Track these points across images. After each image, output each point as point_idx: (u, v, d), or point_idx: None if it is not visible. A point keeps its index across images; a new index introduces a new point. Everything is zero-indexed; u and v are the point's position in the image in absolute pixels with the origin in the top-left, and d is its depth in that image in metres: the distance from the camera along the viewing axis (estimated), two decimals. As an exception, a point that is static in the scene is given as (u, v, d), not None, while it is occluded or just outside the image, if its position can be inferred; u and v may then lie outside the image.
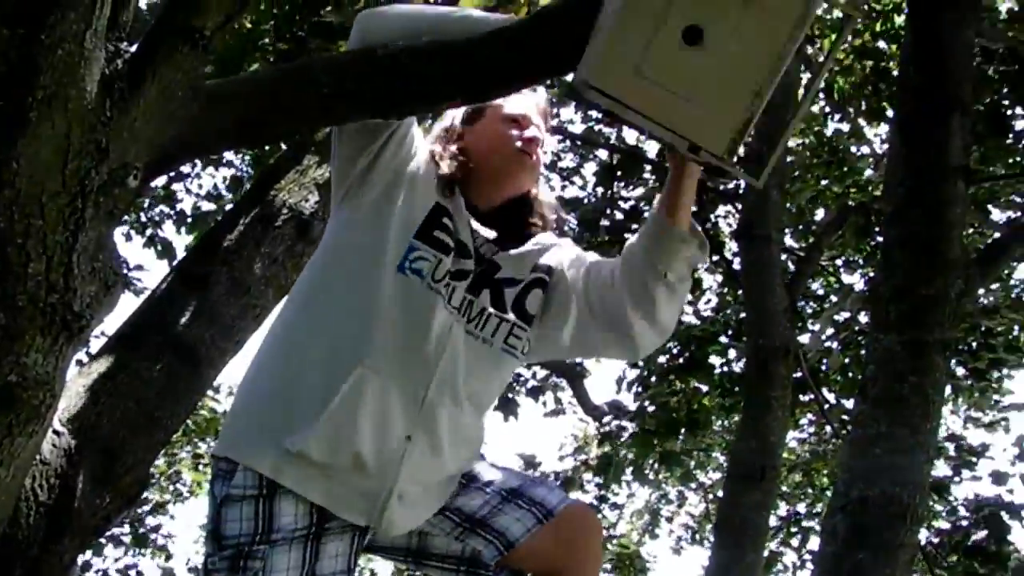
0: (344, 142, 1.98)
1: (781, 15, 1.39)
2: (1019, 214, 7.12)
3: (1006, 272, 7.89)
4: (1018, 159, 6.34)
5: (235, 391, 2.04)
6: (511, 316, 2.01)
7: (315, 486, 1.81)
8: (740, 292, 6.65)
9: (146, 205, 7.80)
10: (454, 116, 2.13)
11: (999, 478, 8.46)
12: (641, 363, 7.87)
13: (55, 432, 2.53)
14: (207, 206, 7.98)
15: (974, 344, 7.84)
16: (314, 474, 1.81)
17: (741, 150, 1.49)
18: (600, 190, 7.34)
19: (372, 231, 1.94)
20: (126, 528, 11.37)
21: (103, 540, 10.58)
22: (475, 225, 2.04)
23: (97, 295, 1.58)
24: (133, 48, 1.59)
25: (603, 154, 7.44)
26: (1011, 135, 5.88)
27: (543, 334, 2.07)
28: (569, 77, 1.63)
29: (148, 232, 7.90)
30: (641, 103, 1.44)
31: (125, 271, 7.50)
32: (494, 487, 2.00)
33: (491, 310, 1.99)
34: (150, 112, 1.56)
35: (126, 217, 7.33)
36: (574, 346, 2.11)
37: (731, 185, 6.78)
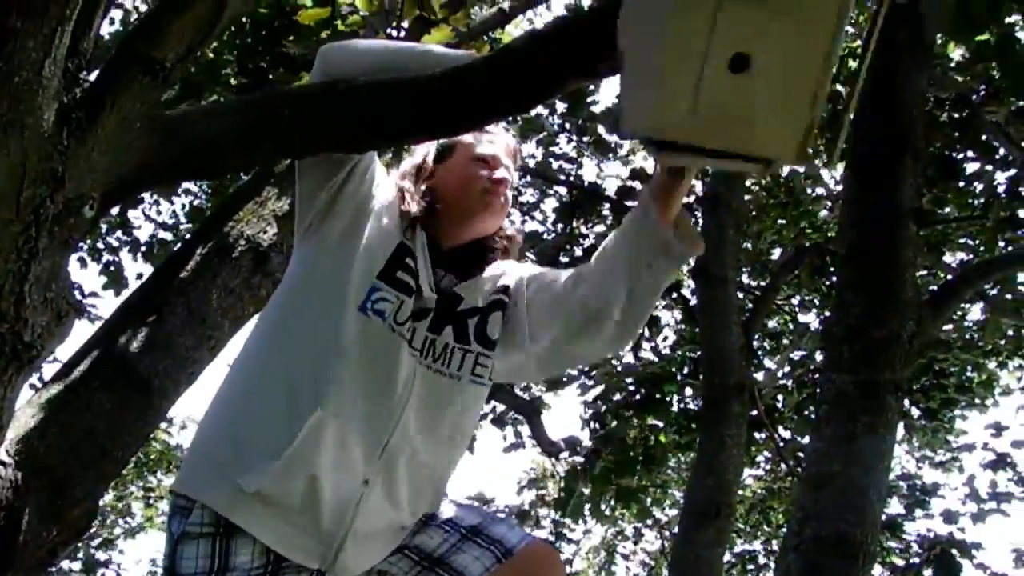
0: (306, 175, 1.96)
1: (820, 18, 1.39)
2: (970, 256, 7.25)
3: (959, 313, 8.02)
4: (969, 202, 6.46)
5: (198, 424, 2.00)
6: (476, 346, 1.99)
7: (269, 527, 1.78)
8: (697, 330, 6.69)
9: (103, 232, 7.73)
10: (425, 153, 2.12)
11: (951, 517, 8.56)
12: (599, 400, 7.88)
13: (1, 463, 2.48)
14: (165, 235, 7.92)
15: (927, 384, 7.95)
16: (268, 515, 1.78)
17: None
18: (560, 226, 7.38)
19: (335, 270, 1.91)
20: (76, 565, 11.15)
21: (50, 573, 10.36)
22: (436, 262, 2.02)
23: (49, 325, 1.56)
24: (93, 76, 1.59)
25: (563, 190, 7.48)
26: (961, 179, 6.00)
27: (510, 353, 2.05)
28: (534, 112, 1.65)
29: (104, 259, 7.82)
30: (703, 140, 1.45)
31: (79, 298, 7.41)
32: (453, 524, 1.98)
33: (454, 344, 1.97)
34: (108, 142, 1.55)
35: (82, 244, 7.26)
36: (543, 359, 2.05)
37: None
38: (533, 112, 6.89)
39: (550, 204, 7.93)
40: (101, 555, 11.52)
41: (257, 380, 1.90)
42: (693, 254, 1.86)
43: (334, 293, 1.89)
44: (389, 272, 1.92)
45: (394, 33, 3.45)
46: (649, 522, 11.89)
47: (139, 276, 7.58)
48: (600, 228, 7.50)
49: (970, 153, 5.78)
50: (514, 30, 6.36)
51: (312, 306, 1.91)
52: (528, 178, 7.89)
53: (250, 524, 1.77)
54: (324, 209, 1.95)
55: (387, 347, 1.89)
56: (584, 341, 1.96)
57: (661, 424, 7.86)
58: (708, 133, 1.43)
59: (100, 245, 7.81)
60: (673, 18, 1.41)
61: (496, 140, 2.10)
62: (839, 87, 6.62)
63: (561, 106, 6.96)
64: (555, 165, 7.57)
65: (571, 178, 7.45)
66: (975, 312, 8.21)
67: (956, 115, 5.38)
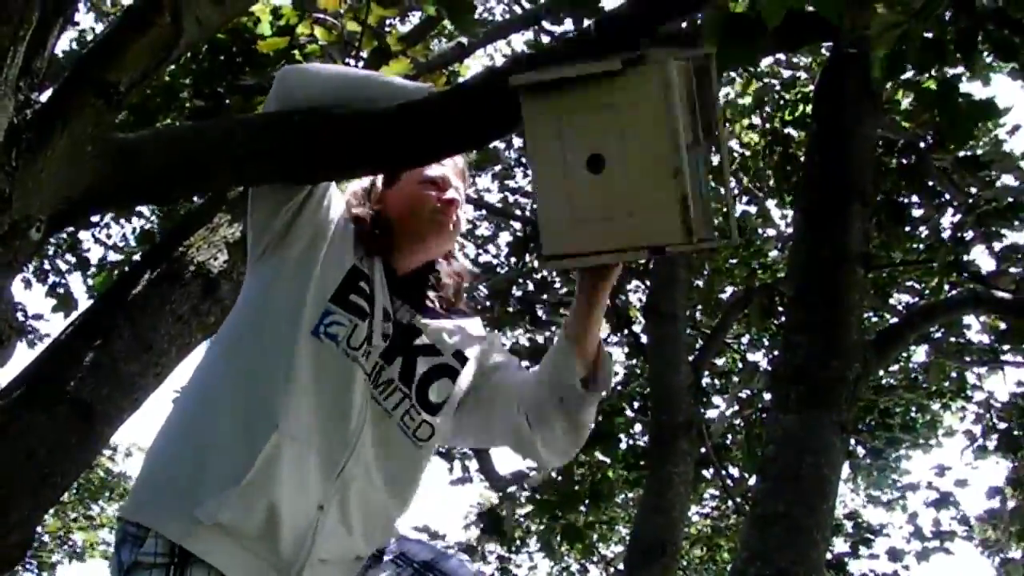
0: (260, 200, 1.93)
1: (646, 98, 1.46)
2: (916, 300, 7.37)
3: (904, 355, 8.14)
4: (915, 247, 6.58)
5: (147, 451, 1.94)
6: (412, 395, 1.96)
7: (228, 556, 1.75)
8: (647, 366, 6.73)
9: (50, 253, 7.61)
10: (374, 177, 2.11)
11: (895, 555, 8.64)
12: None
13: (-64, 487, 2.42)
14: (114, 257, 7.83)
15: (872, 423, 8.05)
16: (228, 543, 1.75)
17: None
18: (513, 260, 7.41)
19: (288, 293, 1.89)
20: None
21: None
22: (391, 289, 2.00)
23: (-10, 348, 1.53)
24: (45, 97, 1.57)
25: (518, 225, 7.51)
26: (909, 224, 6.11)
27: (450, 423, 2.04)
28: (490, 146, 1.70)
29: (50, 280, 7.70)
30: (595, 244, 1.50)
31: (23, 319, 7.28)
32: (406, 559, 1.97)
33: (398, 382, 1.95)
34: (58, 164, 1.54)
35: (28, 264, 7.14)
36: (479, 438, 2.14)
37: (641, 263, 6.90)
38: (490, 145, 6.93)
39: (504, 238, 7.97)
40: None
41: (212, 406, 1.86)
42: (601, 395, 1.97)
43: (288, 317, 1.87)
44: (342, 295, 1.90)
45: (352, 63, 3.46)
46: (595, 559, 11.86)
47: (90, 296, 7.44)
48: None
49: (916, 199, 5.90)
50: (473, 63, 6.41)
51: (266, 331, 1.88)
52: (484, 212, 7.92)
53: (208, 553, 1.74)
54: (280, 235, 1.93)
55: (341, 371, 1.87)
56: (517, 443, 2.03)
57: (608, 460, 7.86)
58: (598, 237, 1.51)
59: (47, 266, 7.69)
60: (530, 135, 1.51)
61: (446, 162, 2.07)
62: (792, 131, 6.75)
63: (517, 140, 7.01)
64: (511, 199, 7.61)
65: (527, 213, 7.49)
66: (920, 354, 8.35)
67: (904, 161, 5.49)
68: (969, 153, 5.29)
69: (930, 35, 2.73)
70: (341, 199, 2.05)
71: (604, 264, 1.66)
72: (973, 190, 5.32)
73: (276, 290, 1.91)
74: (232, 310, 2.04)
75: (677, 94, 1.44)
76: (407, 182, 2.06)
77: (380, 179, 2.09)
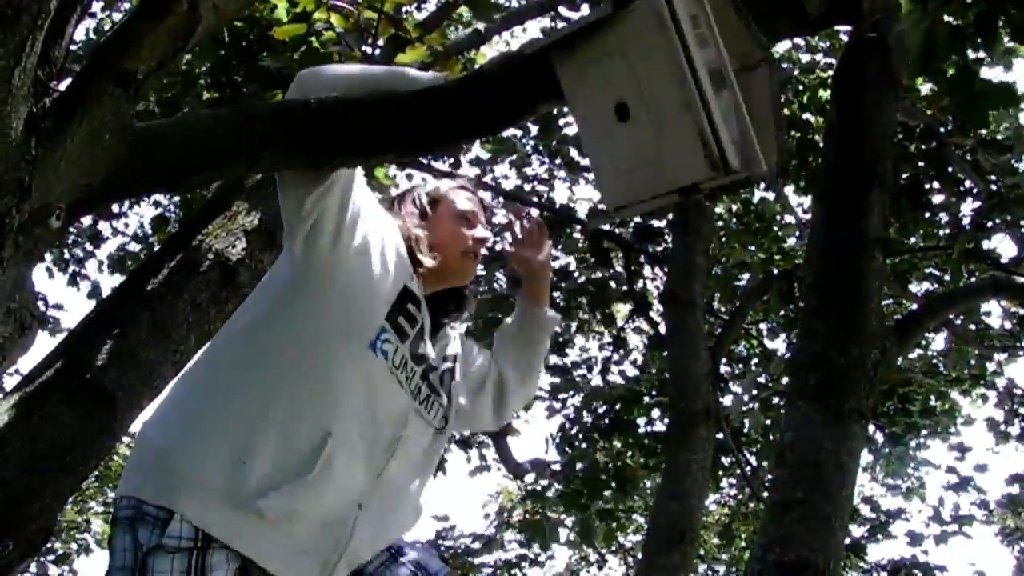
0: (290, 185, 1.89)
1: (644, 36, 1.47)
2: (935, 286, 7.33)
3: (924, 341, 8.10)
4: (934, 233, 6.54)
5: (158, 429, 1.93)
6: (444, 399, 2.12)
7: (272, 551, 1.81)
8: (666, 354, 6.72)
9: (70, 243, 7.65)
10: (420, 203, 2.18)
11: (915, 539, 8.61)
12: (567, 423, 7.89)
13: (-41, 475, 2.45)
14: (134, 247, 7.86)
15: (891, 409, 8.01)
16: (273, 538, 1.80)
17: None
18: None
19: (346, 300, 1.92)
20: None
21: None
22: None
23: (11, 336, 1.54)
24: (64, 86, 1.58)
25: (535, 212, 7.50)
26: (928, 210, 6.07)
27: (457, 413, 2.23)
28: (507, 133, 1.72)
29: (71, 270, 7.74)
30: (640, 193, 1.52)
31: (43, 309, 7.32)
32: (418, 565, 2.07)
33: (431, 395, 2.08)
34: (77, 152, 1.54)
35: (48, 254, 7.19)
36: (466, 422, 2.34)
37: (659, 248, 6.88)
38: (507, 133, 6.93)
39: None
40: (54, 570, 11.32)
41: (250, 399, 1.87)
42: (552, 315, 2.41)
43: (344, 329, 1.92)
44: (393, 315, 1.97)
45: (369, 51, 3.46)
46: (613, 547, 11.88)
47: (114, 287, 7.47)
48: (571, 255, 7.53)
49: (936, 185, 5.86)
50: (489, 51, 6.39)
51: (319, 333, 1.91)
52: (501, 199, 7.91)
53: (248, 546, 1.78)
54: (326, 225, 1.91)
55: (388, 385, 1.96)
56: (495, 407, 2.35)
57: (629, 449, 7.87)
58: (642, 184, 1.52)
59: (67, 256, 7.74)
60: (570, 96, 1.52)
61: (472, 197, 2.23)
62: (808, 116, 6.70)
63: (534, 128, 6.99)
64: (527, 187, 7.60)
65: (543, 199, 7.48)
66: (940, 341, 8.30)
67: (924, 146, 5.45)
68: (990, 138, 5.25)
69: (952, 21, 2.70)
70: (378, 208, 2.07)
71: (653, 209, 1.76)
72: (993, 177, 5.28)
73: (327, 291, 1.92)
74: (264, 288, 2.04)
75: (673, 28, 1.44)
76: (442, 215, 2.18)
77: (424, 204, 2.17)
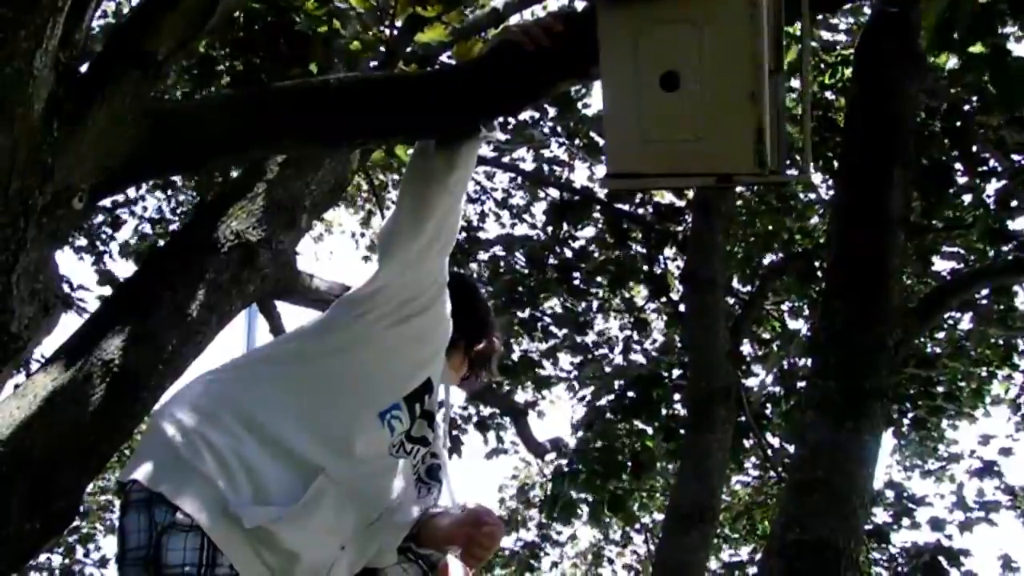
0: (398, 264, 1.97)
1: (730, 14, 1.39)
2: (959, 266, 7.26)
3: (949, 322, 8.03)
4: (958, 213, 6.48)
5: (171, 422, 1.93)
6: (444, 461, 2.27)
7: (247, 563, 1.84)
8: (686, 333, 6.70)
9: (96, 223, 7.69)
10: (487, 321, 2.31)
11: (938, 524, 8.55)
12: (586, 404, 7.87)
13: (-15, 455, 2.47)
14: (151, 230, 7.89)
15: (915, 392, 7.94)
16: (252, 554, 1.83)
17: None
18: (550, 229, 7.38)
19: (387, 363, 2.03)
20: (56, 559, 11.09)
21: (30, 567, 10.29)
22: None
23: (36, 317, 1.56)
24: (85, 68, 1.59)
25: (554, 193, 7.48)
26: (952, 189, 6.01)
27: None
28: (526, 117, 1.68)
29: (96, 251, 7.78)
30: (661, 166, 1.46)
31: (68, 291, 7.36)
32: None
33: (436, 460, 2.23)
34: (98, 134, 1.55)
35: (74, 236, 7.24)
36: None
37: (679, 228, 6.86)
38: (526, 116, 6.88)
39: (540, 207, 7.94)
40: (80, 550, 11.41)
41: (274, 418, 1.94)
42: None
43: (370, 387, 2.02)
44: (411, 399, 2.06)
45: (386, 31, 3.45)
46: (637, 526, 11.88)
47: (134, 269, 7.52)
48: (590, 230, 7.51)
49: (960, 164, 5.80)
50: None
51: (349, 383, 2.01)
52: (519, 180, 7.89)
53: (236, 559, 1.82)
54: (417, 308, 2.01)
55: (386, 456, 2.05)
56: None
57: (650, 430, 7.84)
58: (666, 158, 1.45)
59: (92, 238, 7.77)
60: (604, 49, 1.43)
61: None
62: (829, 95, 6.65)
63: (552, 110, 6.95)
64: (546, 169, 7.56)
65: (562, 181, 7.45)
66: (965, 322, 8.21)
67: (947, 125, 5.39)
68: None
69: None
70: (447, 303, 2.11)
71: (663, 188, 1.68)
72: (1017, 156, 5.22)
73: (379, 353, 2.03)
74: (327, 321, 2.10)
75: (764, 14, 1.38)
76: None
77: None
